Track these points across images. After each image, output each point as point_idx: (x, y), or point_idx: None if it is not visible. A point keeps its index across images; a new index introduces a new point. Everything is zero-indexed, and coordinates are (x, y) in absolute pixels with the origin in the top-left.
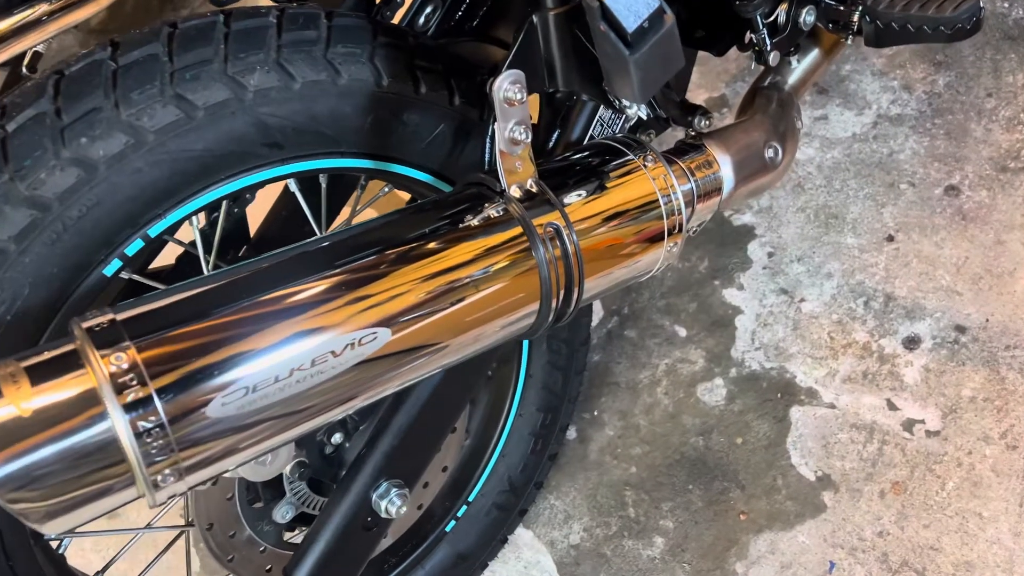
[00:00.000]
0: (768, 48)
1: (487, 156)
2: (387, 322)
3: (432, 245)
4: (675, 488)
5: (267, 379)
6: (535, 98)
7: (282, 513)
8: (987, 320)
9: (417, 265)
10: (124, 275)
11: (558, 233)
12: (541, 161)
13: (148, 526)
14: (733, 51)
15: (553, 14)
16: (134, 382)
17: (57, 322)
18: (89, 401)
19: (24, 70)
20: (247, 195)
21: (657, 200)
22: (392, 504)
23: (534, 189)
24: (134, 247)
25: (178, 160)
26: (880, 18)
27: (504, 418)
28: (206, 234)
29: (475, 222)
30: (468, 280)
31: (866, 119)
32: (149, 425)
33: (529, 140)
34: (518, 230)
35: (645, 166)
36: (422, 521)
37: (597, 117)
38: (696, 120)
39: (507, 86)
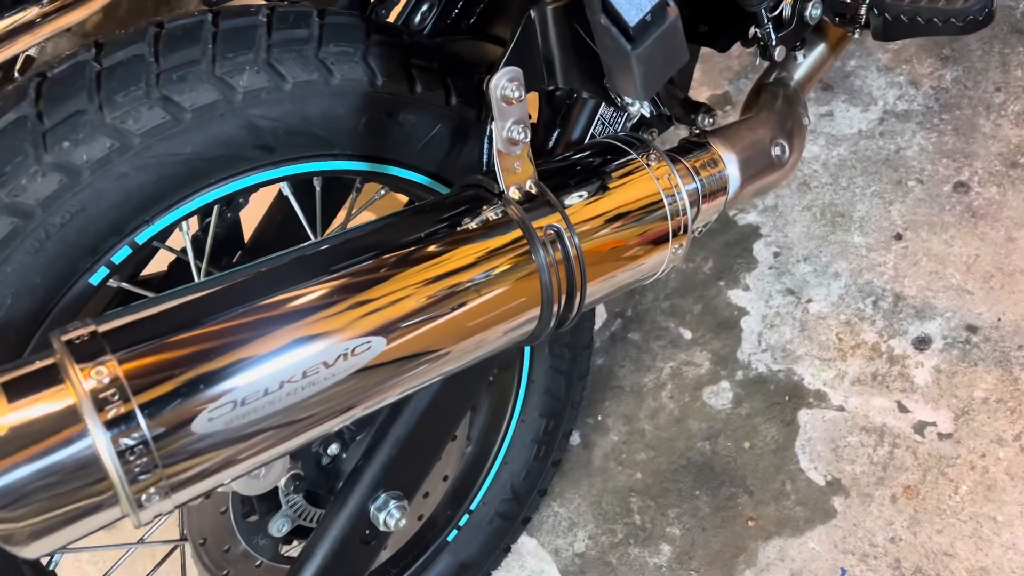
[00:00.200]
0: (773, 43)
1: (485, 157)
2: (381, 330)
3: (428, 249)
4: (681, 494)
5: (256, 392)
6: (534, 96)
7: (278, 526)
8: (999, 319)
9: (412, 270)
10: (113, 283)
11: (559, 235)
12: (541, 161)
13: (141, 541)
14: (736, 47)
15: (551, 8)
16: (116, 397)
17: (42, 333)
18: (69, 418)
19: (17, 75)
20: (240, 199)
21: (661, 200)
22: (391, 517)
23: (533, 190)
24: (121, 255)
25: (165, 164)
26: (888, 10)
27: (506, 424)
28: (199, 240)
29: (473, 225)
30: (466, 285)
31: (872, 115)
32: (132, 442)
33: (528, 140)
34: (517, 233)
35: (648, 165)
36: (423, 531)
37: (598, 115)
38: (700, 118)
39: (504, 84)
